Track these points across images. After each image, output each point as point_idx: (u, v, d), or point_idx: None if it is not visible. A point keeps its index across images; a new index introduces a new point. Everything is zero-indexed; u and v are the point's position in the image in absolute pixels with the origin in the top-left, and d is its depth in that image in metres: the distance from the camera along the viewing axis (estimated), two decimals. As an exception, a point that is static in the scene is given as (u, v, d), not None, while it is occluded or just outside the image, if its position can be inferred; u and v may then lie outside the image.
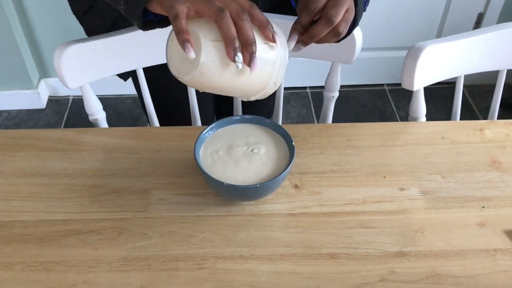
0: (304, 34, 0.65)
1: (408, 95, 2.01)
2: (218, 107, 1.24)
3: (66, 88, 0.91)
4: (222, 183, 0.68)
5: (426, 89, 0.98)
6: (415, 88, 0.93)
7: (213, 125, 0.77)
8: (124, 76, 1.03)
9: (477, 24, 2.10)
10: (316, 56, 0.97)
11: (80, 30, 0.98)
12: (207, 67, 0.57)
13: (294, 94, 2.26)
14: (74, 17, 0.95)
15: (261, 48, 0.59)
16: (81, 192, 0.77)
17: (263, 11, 0.95)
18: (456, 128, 0.90)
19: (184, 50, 0.56)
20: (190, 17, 0.58)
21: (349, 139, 0.87)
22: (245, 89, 0.62)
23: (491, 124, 0.91)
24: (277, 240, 0.71)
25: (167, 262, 0.68)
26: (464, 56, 0.96)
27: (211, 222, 0.73)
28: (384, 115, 2.16)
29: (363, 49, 0.95)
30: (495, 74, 1.03)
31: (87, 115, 0.99)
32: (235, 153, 0.74)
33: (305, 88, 2.29)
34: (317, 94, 2.26)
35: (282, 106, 1.09)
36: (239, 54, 0.56)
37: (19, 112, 2.15)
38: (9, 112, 2.15)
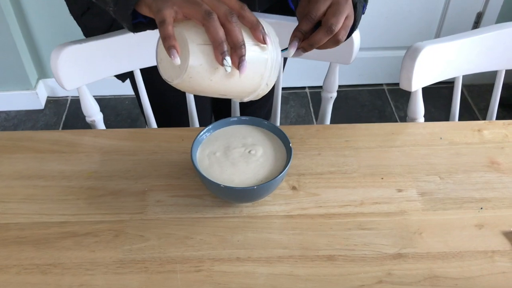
0: (304, 41, 0.65)
1: (407, 94, 2.02)
2: (217, 107, 1.24)
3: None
4: (219, 185, 0.68)
5: (425, 89, 0.98)
6: (413, 89, 0.93)
7: (210, 126, 0.77)
8: (122, 77, 1.03)
9: (476, 24, 2.10)
10: (313, 57, 0.96)
11: (78, 31, 0.97)
12: (196, 71, 0.57)
13: (293, 94, 2.26)
14: (72, 17, 0.95)
15: (251, 50, 0.59)
16: (78, 194, 0.77)
17: (260, 12, 0.95)
18: (454, 129, 0.89)
19: (170, 56, 0.55)
20: (178, 21, 0.58)
21: (347, 140, 0.87)
22: (236, 91, 0.61)
23: (489, 124, 0.90)
24: (275, 242, 0.71)
25: (164, 264, 0.68)
26: (462, 57, 0.96)
27: (208, 224, 0.73)
28: (383, 115, 2.16)
29: (362, 49, 0.95)
30: (494, 73, 1.03)
31: (85, 116, 0.99)
32: (232, 155, 0.74)
33: (304, 88, 2.29)
34: (316, 94, 2.26)
35: (280, 107, 1.09)
36: (228, 58, 0.56)
37: (17, 113, 2.15)
38: (7, 113, 2.15)
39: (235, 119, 0.79)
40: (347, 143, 0.86)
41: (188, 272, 0.67)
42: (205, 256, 0.69)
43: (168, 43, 0.55)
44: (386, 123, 0.91)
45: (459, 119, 1.06)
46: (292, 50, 0.65)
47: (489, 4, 2.02)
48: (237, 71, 0.57)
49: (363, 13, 0.71)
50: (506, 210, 0.75)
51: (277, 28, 0.92)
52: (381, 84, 2.30)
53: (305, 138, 0.87)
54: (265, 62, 0.60)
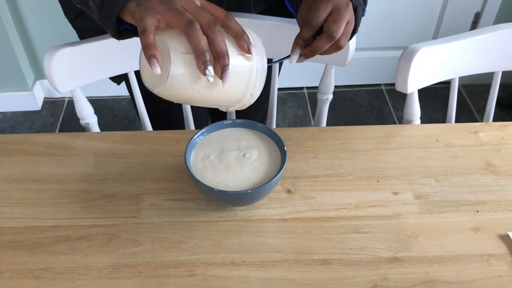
0: (306, 48, 0.66)
1: (405, 95, 2.01)
2: (212, 110, 1.24)
3: (61, 90, 0.90)
4: (213, 188, 0.68)
5: (423, 89, 0.98)
6: (409, 91, 0.92)
7: (204, 129, 0.77)
8: (117, 80, 1.02)
9: (474, 24, 2.10)
10: (309, 59, 0.96)
11: (75, 32, 0.97)
12: (178, 80, 0.56)
13: (291, 94, 2.25)
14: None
15: (235, 59, 0.58)
16: (72, 198, 0.76)
17: (257, 13, 0.95)
18: (451, 131, 0.89)
19: (151, 66, 0.55)
20: (161, 29, 0.57)
21: (342, 142, 0.86)
22: (219, 101, 0.61)
23: (485, 126, 0.90)
24: (269, 246, 0.70)
25: (157, 269, 0.67)
26: (458, 58, 0.95)
27: (202, 228, 0.72)
28: (381, 115, 2.15)
29: (360, 49, 0.95)
30: (492, 73, 1.03)
31: (81, 117, 0.98)
32: (226, 158, 0.73)
33: (301, 88, 2.28)
34: (314, 95, 2.25)
35: (276, 109, 1.09)
36: (210, 68, 0.55)
37: (14, 114, 2.15)
38: (4, 114, 2.14)
39: (230, 122, 0.78)
40: (343, 145, 0.86)
41: (182, 276, 0.66)
42: (199, 261, 0.68)
43: (148, 52, 0.55)
44: (381, 125, 0.90)
45: (457, 119, 1.06)
46: (295, 57, 0.66)
47: (487, 4, 2.01)
48: (220, 81, 0.57)
49: (363, 15, 0.71)
50: (502, 213, 0.75)
51: (275, 30, 0.92)
52: (379, 85, 2.30)
53: (300, 140, 0.86)
54: (250, 72, 0.60)
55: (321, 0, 0.65)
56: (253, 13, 0.94)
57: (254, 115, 1.19)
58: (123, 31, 0.66)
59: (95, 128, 1.00)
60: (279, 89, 1.60)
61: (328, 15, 0.65)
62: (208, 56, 0.55)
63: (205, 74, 0.55)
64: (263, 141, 0.76)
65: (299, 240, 0.71)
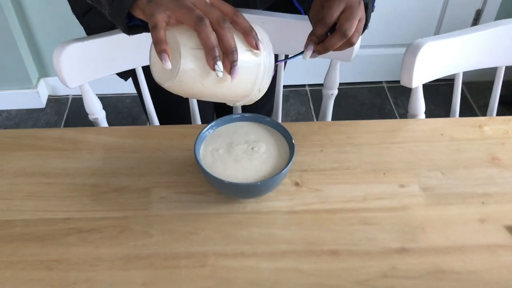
0: (319, 45, 0.68)
1: (407, 92, 2.01)
2: (218, 105, 1.24)
3: (66, 87, 0.91)
4: (223, 181, 0.68)
5: (425, 86, 0.99)
6: (413, 85, 0.93)
7: (213, 123, 0.77)
8: (124, 75, 1.03)
9: (475, 21, 2.11)
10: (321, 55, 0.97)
11: (79, 29, 0.98)
12: (187, 75, 0.57)
13: (293, 92, 2.26)
14: (73, 16, 0.95)
15: (244, 55, 0.59)
16: (82, 191, 0.77)
17: (263, 10, 0.96)
18: (455, 125, 0.90)
19: (161, 61, 0.56)
20: (171, 25, 0.58)
21: (348, 136, 0.87)
22: (228, 95, 0.62)
23: (490, 120, 0.91)
24: (279, 237, 0.71)
25: (168, 260, 0.68)
26: (462, 53, 0.96)
27: (212, 220, 0.73)
28: (383, 113, 2.16)
29: (362, 47, 0.95)
30: (493, 70, 1.04)
31: (87, 114, 0.99)
32: (235, 151, 0.74)
33: (304, 86, 2.29)
34: (316, 92, 2.26)
35: (281, 104, 1.09)
36: (219, 63, 0.56)
37: (19, 111, 2.15)
38: (8, 111, 2.15)
39: (238, 116, 0.79)
40: (349, 139, 0.87)
41: (193, 267, 0.67)
42: (210, 252, 0.69)
43: (159, 47, 0.56)
44: (387, 119, 0.91)
45: (459, 117, 1.06)
46: (308, 53, 0.68)
47: (488, 1, 2.02)
48: (229, 76, 0.58)
49: (372, 11, 0.72)
50: (508, 205, 0.76)
51: (281, 26, 0.93)
52: (381, 82, 2.31)
53: (307, 135, 0.87)
54: (258, 68, 0.61)
55: None
56: (259, 9, 0.95)
57: (260, 110, 1.20)
58: (134, 26, 0.67)
59: (104, 123, 1.01)
60: (282, 86, 1.60)
61: (340, 13, 0.67)
62: (217, 52, 0.56)
63: (214, 70, 0.57)
64: (271, 135, 0.77)
65: (308, 232, 0.72)
